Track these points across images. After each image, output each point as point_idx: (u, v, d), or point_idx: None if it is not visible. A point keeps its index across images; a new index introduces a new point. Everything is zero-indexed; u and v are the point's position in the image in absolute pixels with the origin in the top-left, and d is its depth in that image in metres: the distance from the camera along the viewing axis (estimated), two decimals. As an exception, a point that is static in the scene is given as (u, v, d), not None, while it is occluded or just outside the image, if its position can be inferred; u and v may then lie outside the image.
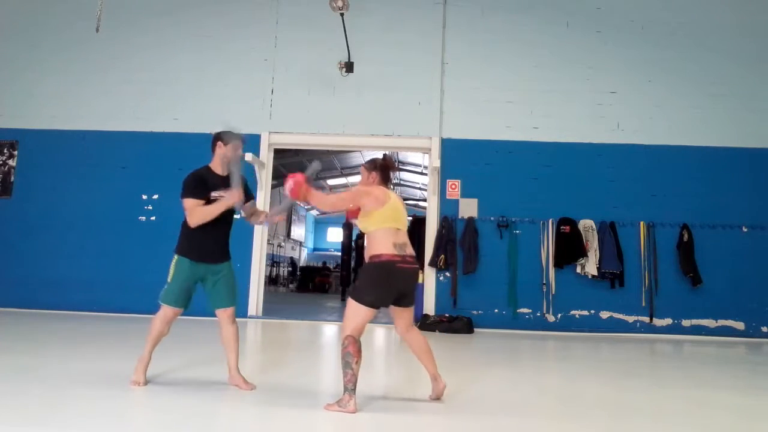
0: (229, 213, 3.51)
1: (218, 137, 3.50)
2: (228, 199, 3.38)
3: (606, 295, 7.71)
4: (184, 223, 3.44)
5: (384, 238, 3.12)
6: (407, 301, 3.24)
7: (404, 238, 3.22)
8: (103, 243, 8.10)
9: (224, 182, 3.44)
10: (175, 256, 3.47)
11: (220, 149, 3.48)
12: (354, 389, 2.93)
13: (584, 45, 8.31)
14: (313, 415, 2.94)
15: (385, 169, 3.33)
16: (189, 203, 3.37)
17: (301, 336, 6.92)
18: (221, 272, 3.51)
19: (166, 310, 3.45)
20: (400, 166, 17.70)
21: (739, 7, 8.27)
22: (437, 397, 3.27)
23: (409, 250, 3.20)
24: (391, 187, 3.47)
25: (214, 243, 3.48)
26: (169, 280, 3.46)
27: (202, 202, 3.38)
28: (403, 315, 3.27)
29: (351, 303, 3.09)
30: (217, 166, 3.50)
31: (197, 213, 3.36)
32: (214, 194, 3.41)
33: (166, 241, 7.67)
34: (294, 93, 8.34)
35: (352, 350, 2.95)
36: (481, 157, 8.09)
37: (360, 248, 14.33)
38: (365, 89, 8.29)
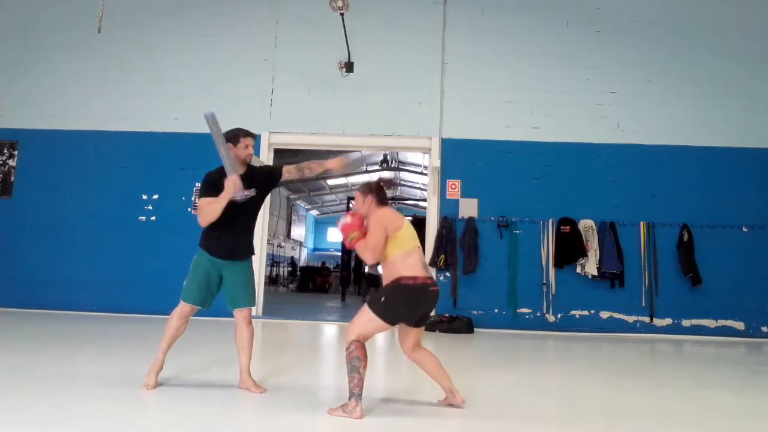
0: (248, 208, 3.41)
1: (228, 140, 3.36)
2: (225, 190, 3.24)
3: (606, 295, 7.70)
4: None
5: (414, 259, 3.09)
6: (423, 321, 3.21)
7: (423, 257, 3.23)
8: (103, 243, 8.09)
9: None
10: (198, 251, 3.45)
11: (231, 150, 3.35)
12: (360, 395, 2.87)
13: (584, 45, 8.31)
14: (317, 421, 2.88)
15: (380, 191, 3.27)
16: (199, 203, 3.36)
17: (301, 336, 6.92)
18: (240, 271, 3.44)
19: (183, 306, 3.40)
20: (400, 166, 17.69)
21: (740, 7, 8.26)
22: (450, 405, 3.17)
23: (429, 270, 3.21)
24: (391, 203, 3.43)
25: (233, 240, 3.40)
26: (189, 275, 3.42)
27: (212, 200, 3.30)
28: (414, 334, 3.21)
29: (368, 313, 3.00)
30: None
31: (202, 211, 3.30)
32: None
33: (166, 241, 7.87)
34: (294, 93, 8.33)
35: (359, 354, 2.90)
36: (481, 157, 8.09)
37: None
38: (365, 89, 8.29)
